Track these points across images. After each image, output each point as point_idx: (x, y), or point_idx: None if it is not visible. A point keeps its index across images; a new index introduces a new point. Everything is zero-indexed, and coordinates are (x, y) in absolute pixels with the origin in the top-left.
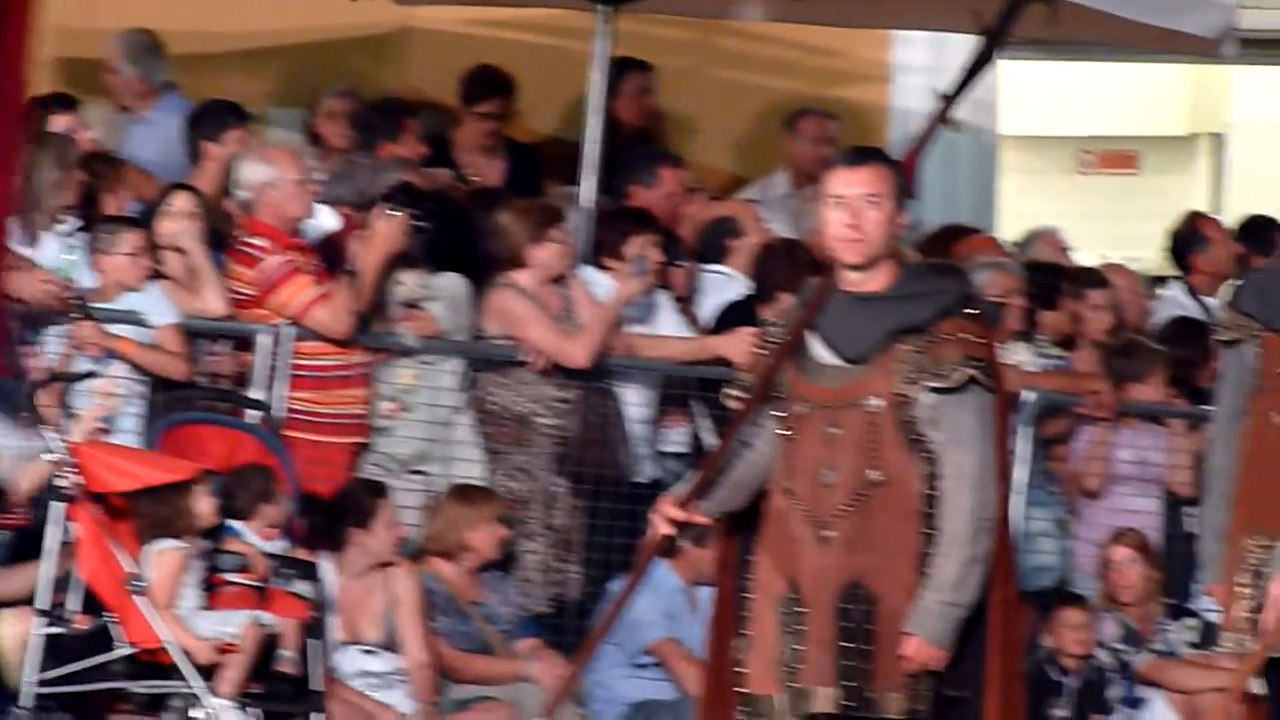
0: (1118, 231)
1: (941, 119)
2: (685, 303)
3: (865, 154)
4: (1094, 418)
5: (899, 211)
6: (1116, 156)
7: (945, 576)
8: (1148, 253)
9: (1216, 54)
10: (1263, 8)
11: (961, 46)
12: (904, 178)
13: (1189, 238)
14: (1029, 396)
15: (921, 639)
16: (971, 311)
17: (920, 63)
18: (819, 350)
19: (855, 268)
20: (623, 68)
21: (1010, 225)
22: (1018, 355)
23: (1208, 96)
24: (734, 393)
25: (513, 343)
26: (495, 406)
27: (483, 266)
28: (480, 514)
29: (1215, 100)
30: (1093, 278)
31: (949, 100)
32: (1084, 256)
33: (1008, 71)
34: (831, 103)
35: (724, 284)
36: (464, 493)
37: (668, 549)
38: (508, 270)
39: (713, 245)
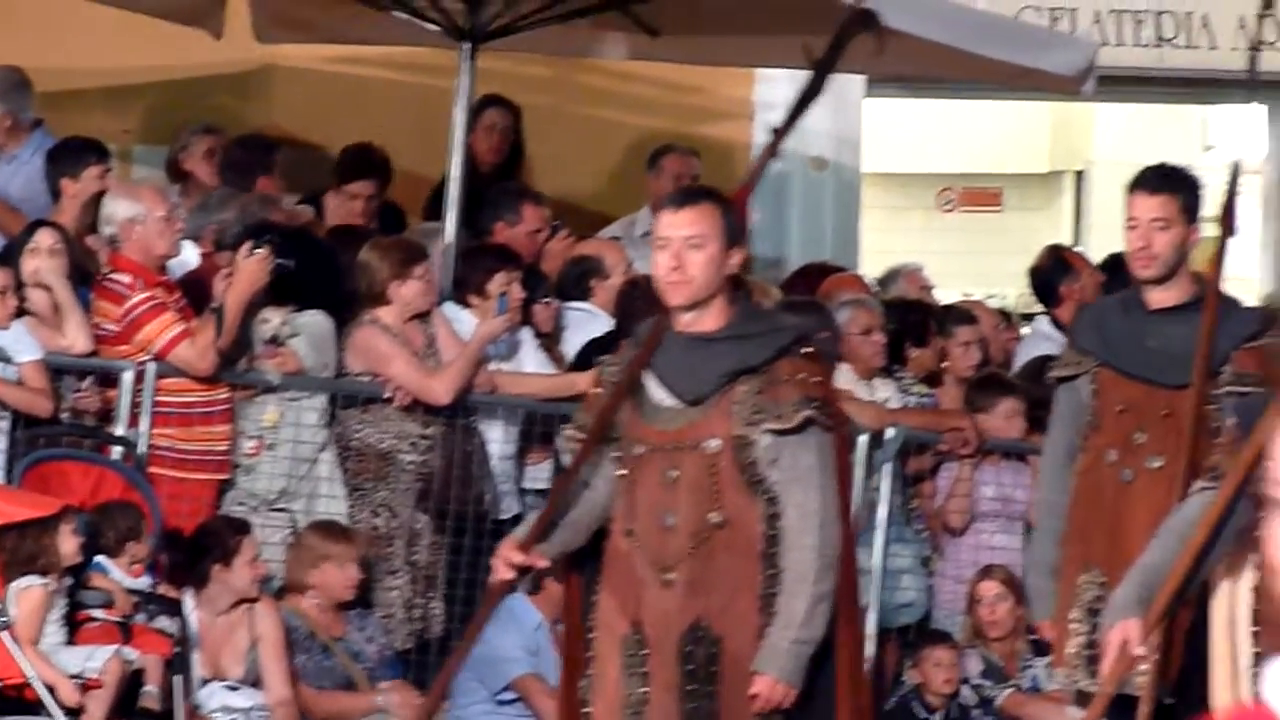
0: (980, 268)
1: (771, 154)
2: (549, 339)
3: (690, 195)
4: (957, 454)
5: (728, 251)
6: (979, 194)
7: (793, 614)
8: (1011, 289)
9: (1078, 92)
10: (1123, 45)
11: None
12: (736, 217)
13: (1054, 269)
14: (892, 433)
15: (771, 677)
16: (808, 351)
17: (782, 100)
18: (656, 391)
19: (684, 309)
20: (484, 105)
21: (873, 262)
22: (882, 392)
23: (1069, 134)
24: (571, 433)
25: (376, 379)
26: (358, 443)
27: (345, 303)
28: (333, 552)
29: (1076, 138)
30: (960, 315)
31: (779, 135)
32: (946, 293)
33: (871, 109)
34: (695, 140)
35: (587, 321)
36: (320, 530)
37: (518, 588)
38: (370, 307)
39: (577, 283)
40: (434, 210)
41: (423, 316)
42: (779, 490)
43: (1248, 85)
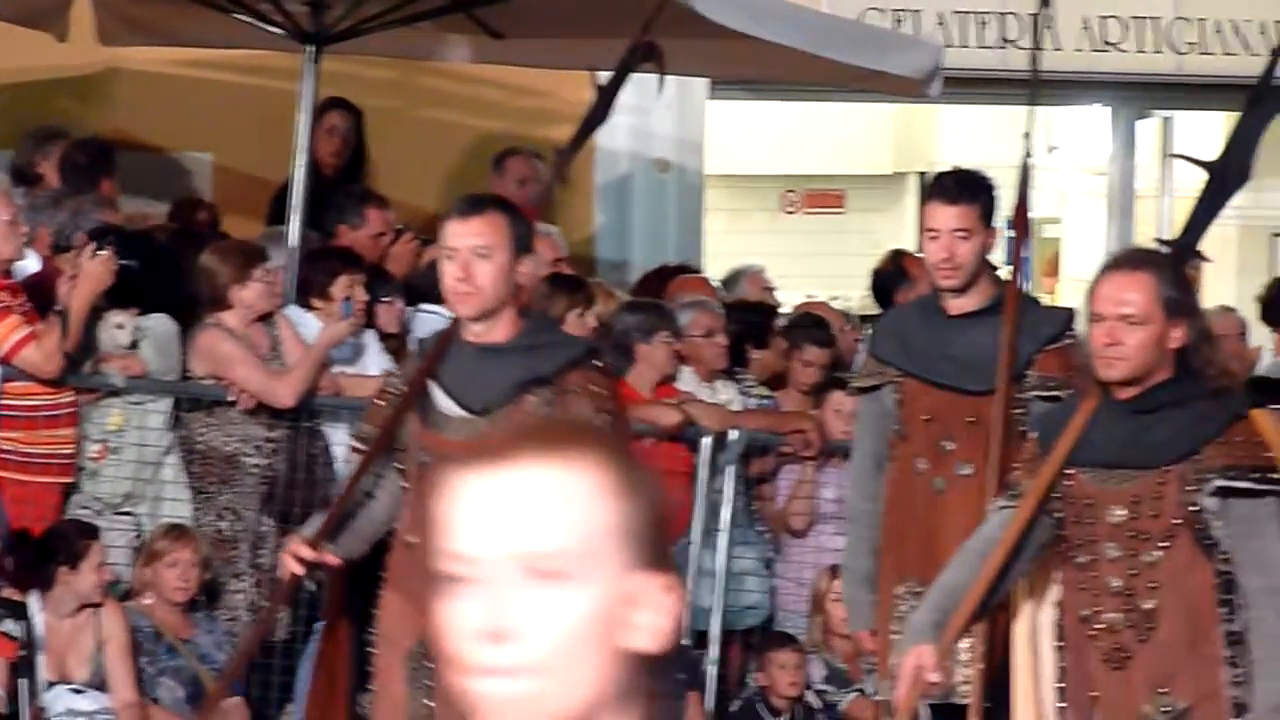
0: (824, 270)
1: (558, 176)
2: (396, 341)
3: (477, 204)
4: (800, 456)
5: (517, 260)
6: (822, 196)
7: None
8: (854, 291)
9: (923, 94)
10: (967, 46)
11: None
12: (525, 225)
13: (893, 275)
14: (735, 435)
15: None
16: (598, 362)
17: (625, 103)
18: (443, 401)
19: (473, 319)
20: (327, 108)
21: (716, 264)
22: (724, 394)
23: (912, 136)
24: (354, 443)
25: (220, 383)
26: (203, 446)
27: (189, 307)
28: (173, 552)
29: (920, 139)
30: (808, 318)
31: (565, 156)
32: (790, 295)
33: (715, 111)
34: (537, 142)
35: (436, 324)
36: (161, 532)
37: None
38: (213, 311)
39: (429, 286)
40: (278, 213)
41: (267, 319)
42: None
43: (1029, 85)
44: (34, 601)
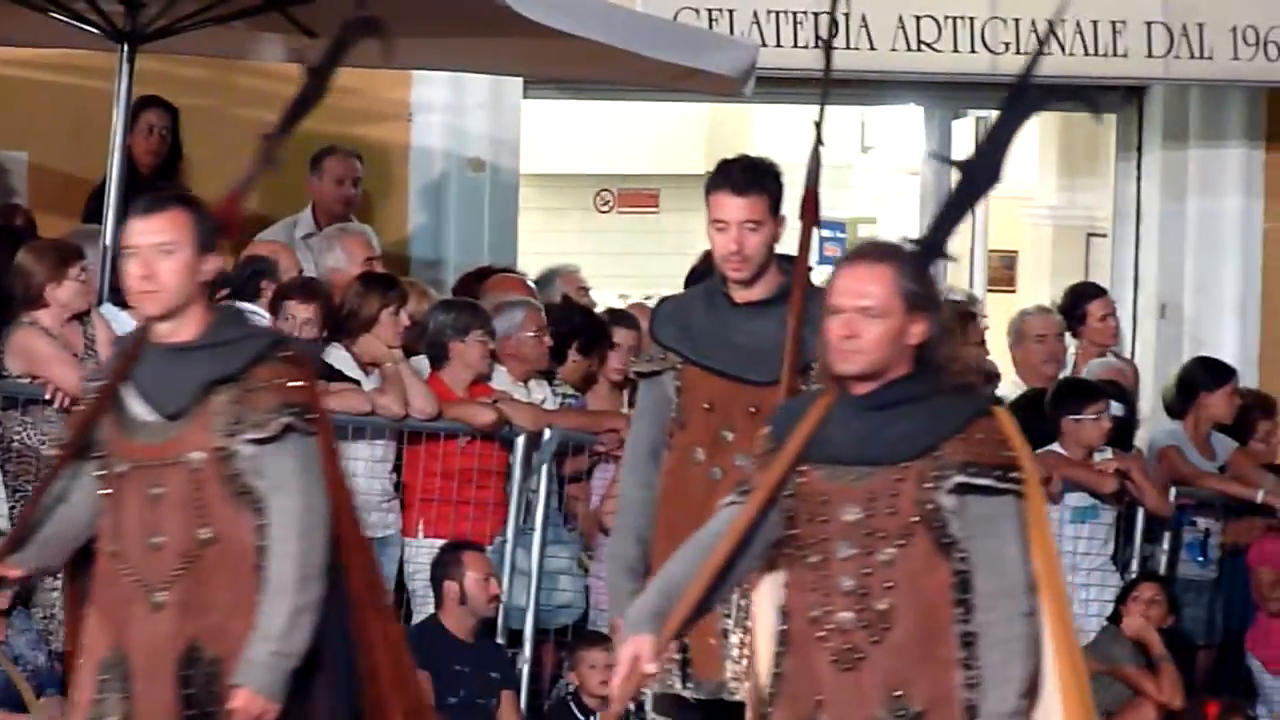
0: (638, 269)
1: (266, 160)
2: None
3: (158, 202)
4: (613, 455)
5: (202, 257)
6: (636, 195)
7: (271, 626)
8: (669, 290)
9: (739, 93)
10: (783, 46)
11: (481, 85)
12: (210, 222)
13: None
14: (549, 434)
15: (250, 690)
16: (287, 354)
17: (440, 101)
18: (136, 406)
19: (159, 319)
20: (142, 107)
21: (530, 263)
22: (537, 394)
23: (726, 135)
24: (49, 449)
25: (36, 381)
26: (19, 444)
27: (3, 305)
28: None
29: (734, 138)
30: (619, 318)
31: (274, 139)
32: (605, 294)
33: (529, 110)
34: (354, 141)
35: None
36: None
37: None
38: (28, 309)
39: (248, 283)
40: (95, 212)
41: (82, 317)
42: (264, 500)
43: (822, 83)
44: None
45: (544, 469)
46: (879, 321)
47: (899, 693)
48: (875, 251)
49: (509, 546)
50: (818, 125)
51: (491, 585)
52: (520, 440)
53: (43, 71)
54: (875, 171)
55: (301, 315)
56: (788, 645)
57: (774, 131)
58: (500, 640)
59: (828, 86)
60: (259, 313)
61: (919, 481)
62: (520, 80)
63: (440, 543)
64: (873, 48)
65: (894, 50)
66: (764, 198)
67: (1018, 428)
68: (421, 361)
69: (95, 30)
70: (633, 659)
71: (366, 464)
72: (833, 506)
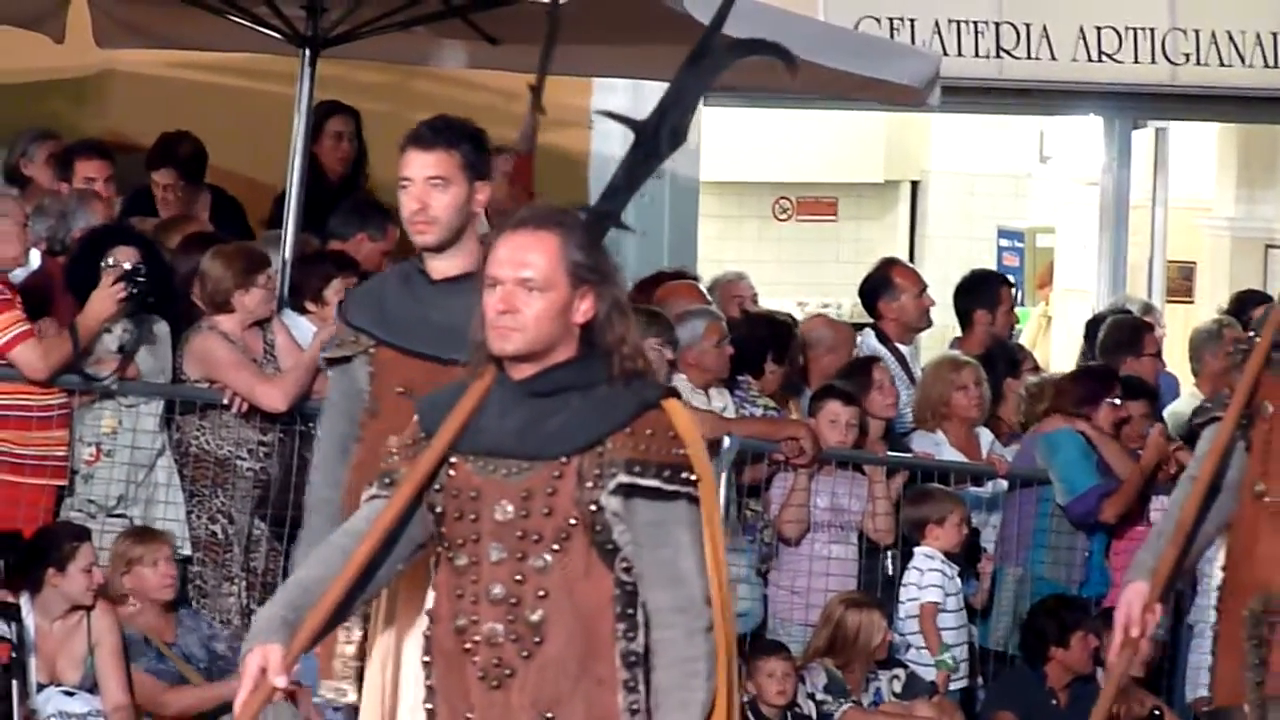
0: (815, 278)
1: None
2: None
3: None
4: (793, 464)
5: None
6: (815, 203)
7: None
8: (845, 299)
9: (922, 103)
10: (963, 56)
11: (660, 92)
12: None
13: (880, 285)
14: (728, 442)
15: None
16: None
17: (621, 109)
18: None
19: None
20: (327, 112)
21: (707, 271)
22: (718, 401)
23: (905, 144)
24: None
25: (214, 386)
26: (196, 449)
27: (182, 309)
28: (143, 554)
29: (912, 148)
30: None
31: (537, 90)
32: (782, 303)
33: (709, 118)
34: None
35: None
36: (128, 536)
37: None
38: (212, 314)
39: None
40: (278, 217)
41: (262, 323)
42: None
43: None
44: (24, 603)
45: (722, 477)
46: (540, 296)
47: (550, 714)
48: (538, 218)
49: None
50: (534, 90)
51: None
52: None
53: (223, 76)
54: (1054, 181)
55: None
56: (433, 655)
57: (953, 140)
58: None
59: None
60: None
61: (579, 480)
62: None
63: None
64: (1053, 58)
65: (1074, 60)
66: (453, 154)
67: (693, 422)
68: None
69: (277, 35)
70: (259, 670)
71: None
72: (484, 503)
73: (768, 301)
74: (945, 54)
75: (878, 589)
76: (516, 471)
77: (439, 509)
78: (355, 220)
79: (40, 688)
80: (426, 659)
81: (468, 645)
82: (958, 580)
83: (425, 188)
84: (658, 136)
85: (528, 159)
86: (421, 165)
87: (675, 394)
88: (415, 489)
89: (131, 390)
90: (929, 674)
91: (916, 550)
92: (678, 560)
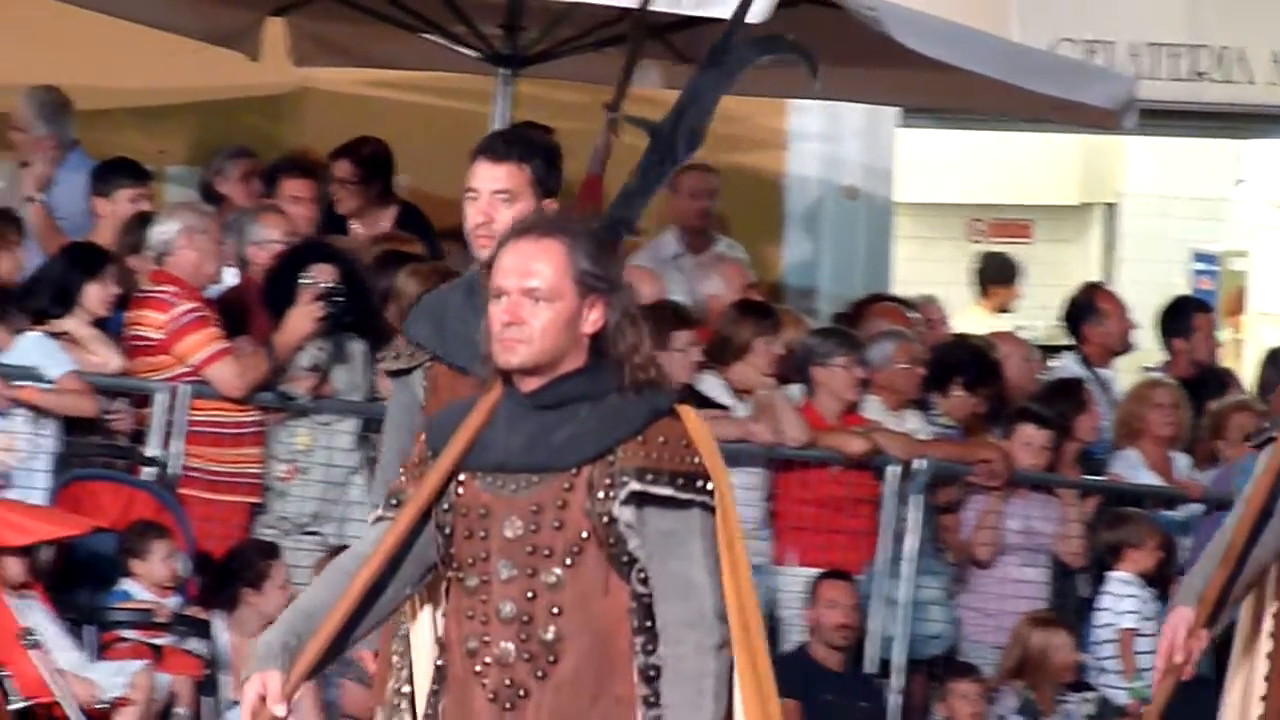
0: None
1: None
2: None
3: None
4: (986, 486)
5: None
6: (1009, 225)
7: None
8: (1039, 321)
9: (1118, 126)
10: (1159, 78)
11: (856, 114)
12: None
13: (1083, 308)
14: (922, 464)
15: None
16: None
17: (815, 130)
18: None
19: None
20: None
21: (903, 292)
22: (909, 423)
23: (1100, 166)
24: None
25: None
26: None
27: (379, 327)
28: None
29: (1107, 170)
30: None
31: (615, 106)
32: (973, 325)
33: (903, 139)
34: (728, 169)
35: None
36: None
37: None
38: None
39: None
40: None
41: None
42: None
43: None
44: (218, 620)
45: (916, 499)
46: (548, 306)
47: None
48: (544, 225)
49: (879, 576)
50: (610, 107)
51: (846, 615)
52: (893, 470)
53: (418, 94)
54: (1249, 205)
55: (682, 341)
56: (444, 683)
57: (1148, 163)
58: (870, 670)
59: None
60: None
61: (590, 491)
62: (893, 109)
63: (810, 572)
64: (1250, 81)
65: (1271, 84)
66: (523, 169)
67: (707, 431)
68: (794, 389)
69: (475, 54)
70: (257, 700)
71: (738, 491)
72: (494, 520)
73: (960, 324)
74: (1142, 77)
75: (1070, 612)
76: (525, 486)
77: (448, 529)
78: None
79: (233, 704)
80: (435, 688)
81: (478, 668)
82: (1155, 605)
83: (491, 200)
84: (674, 139)
85: (597, 180)
86: (490, 178)
87: (689, 401)
88: (421, 508)
89: (327, 408)
90: (1121, 698)
91: (1112, 574)
92: (690, 572)
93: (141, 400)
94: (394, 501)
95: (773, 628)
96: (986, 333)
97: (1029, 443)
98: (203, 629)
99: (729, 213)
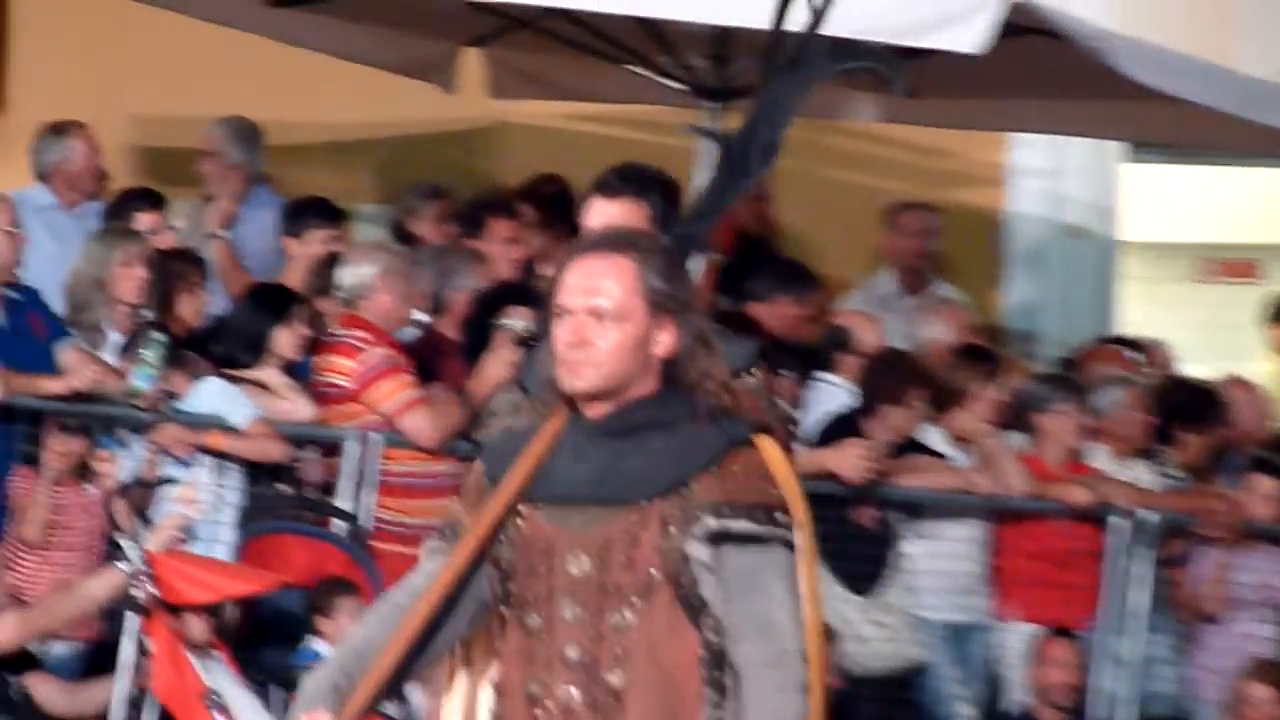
0: (1236, 342)
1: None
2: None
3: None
4: (1216, 539)
5: None
6: (1237, 265)
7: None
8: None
9: None
10: None
11: (1081, 149)
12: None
13: None
14: (1150, 516)
15: None
16: None
17: (1038, 166)
18: None
19: None
20: None
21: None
22: (1136, 473)
23: None
24: None
25: None
26: None
27: None
28: None
29: None
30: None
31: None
32: (1202, 368)
33: (1130, 176)
34: (944, 205)
35: (831, 394)
36: None
37: None
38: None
39: (823, 354)
40: None
41: None
42: None
43: None
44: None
45: (1144, 552)
46: (616, 326)
47: None
48: (613, 241)
49: (1104, 632)
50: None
51: (1070, 674)
52: (1119, 521)
53: (618, 128)
54: None
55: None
56: None
57: None
58: None
59: None
60: (834, 381)
61: (662, 527)
62: (1119, 144)
63: (1033, 628)
64: None
65: None
66: (640, 205)
67: (788, 461)
68: (1016, 438)
69: (681, 86)
70: None
71: (958, 544)
72: (557, 556)
73: (1187, 367)
74: None
75: None
76: (593, 520)
77: (507, 565)
78: (777, 282)
79: None
80: None
81: (539, 713)
82: None
83: None
84: (747, 154)
85: None
86: (605, 215)
87: (768, 430)
88: (480, 542)
89: None
90: None
91: None
92: (771, 611)
93: (331, 449)
94: (450, 533)
95: (994, 686)
96: (1217, 377)
97: (1262, 493)
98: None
99: (947, 252)
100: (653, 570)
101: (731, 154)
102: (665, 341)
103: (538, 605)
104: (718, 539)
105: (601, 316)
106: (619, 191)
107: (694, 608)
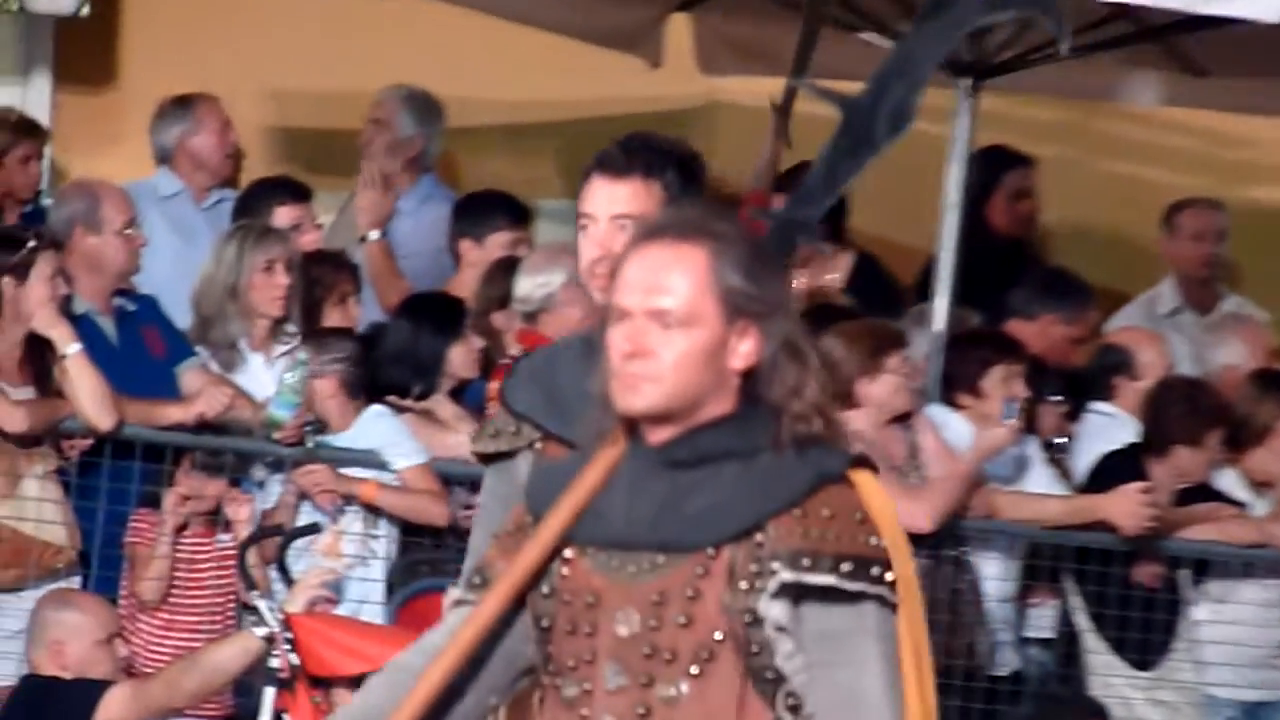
0: None
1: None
2: (1055, 451)
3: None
4: None
5: None
6: None
7: None
8: None
9: None
10: None
11: None
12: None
13: None
14: None
15: None
16: None
17: None
18: None
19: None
20: (994, 160)
21: None
22: None
23: None
24: None
25: None
26: None
27: None
28: None
29: None
30: None
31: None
32: None
33: None
34: (1237, 203)
35: (1107, 428)
36: None
37: None
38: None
39: (1098, 378)
40: (925, 287)
41: (903, 420)
42: None
43: None
44: None
45: None
46: (683, 333)
47: None
48: (682, 225)
49: None
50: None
51: None
52: None
53: None
54: None
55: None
56: None
57: None
58: None
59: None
60: (1110, 413)
61: (730, 579)
62: None
63: None
64: None
65: None
66: (651, 185)
67: (891, 503)
68: None
69: None
70: None
71: (1257, 609)
72: (603, 612)
73: None
74: None
75: None
76: (649, 569)
77: (546, 621)
78: (1047, 297)
79: None
80: None
81: None
82: None
83: (611, 230)
84: (873, 119)
85: (762, 195)
86: (609, 199)
87: (868, 464)
88: (515, 590)
89: None
90: None
91: None
92: (861, 682)
93: None
94: (478, 581)
95: None
96: None
97: None
98: None
99: (1241, 259)
100: (716, 633)
101: (854, 120)
102: (745, 351)
103: (577, 670)
104: (798, 595)
105: (665, 320)
106: (625, 170)
107: (766, 680)
